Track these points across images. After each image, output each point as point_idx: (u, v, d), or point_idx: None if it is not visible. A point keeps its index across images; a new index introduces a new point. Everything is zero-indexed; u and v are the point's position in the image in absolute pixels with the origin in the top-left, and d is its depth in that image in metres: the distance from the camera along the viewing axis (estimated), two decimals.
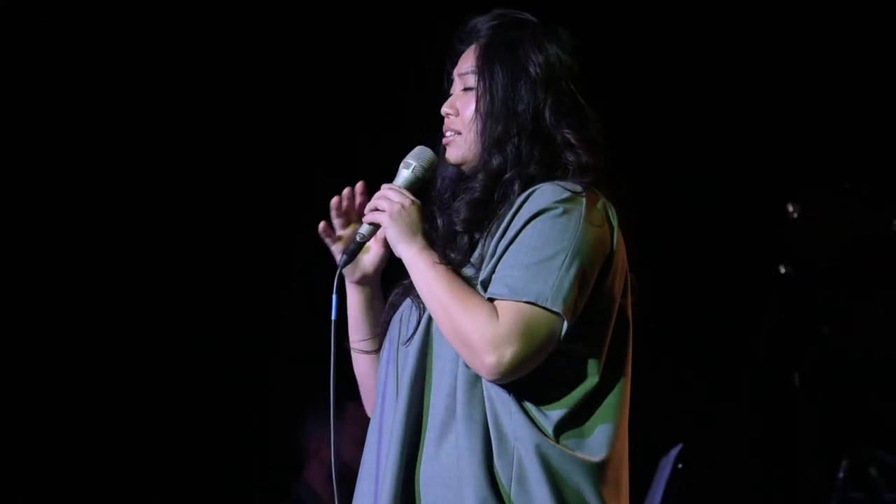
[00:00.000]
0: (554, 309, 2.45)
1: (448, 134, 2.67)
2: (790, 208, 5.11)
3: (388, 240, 2.61)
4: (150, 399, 5.32)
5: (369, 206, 2.64)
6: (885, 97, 5.27)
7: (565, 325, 2.47)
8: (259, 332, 5.34)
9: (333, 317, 2.63)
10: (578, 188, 2.53)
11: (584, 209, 2.52)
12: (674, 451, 4.44)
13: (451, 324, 2.51)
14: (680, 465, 4.41)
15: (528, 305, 2.46)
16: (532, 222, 2.51)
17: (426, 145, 2.71)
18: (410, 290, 2.66)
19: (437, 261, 2.58)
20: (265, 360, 5.35)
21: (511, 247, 2.52)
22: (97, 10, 5.12)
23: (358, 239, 2.65)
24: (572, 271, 2.48)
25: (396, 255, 2.62)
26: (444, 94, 2.72)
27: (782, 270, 5.15)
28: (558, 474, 2.49)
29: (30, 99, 5.11)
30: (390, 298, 2.73)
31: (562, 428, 2.52)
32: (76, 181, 5.20)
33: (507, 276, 2.50)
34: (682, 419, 5.23)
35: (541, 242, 2.50)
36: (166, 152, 5.27)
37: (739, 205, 5.42)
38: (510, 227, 2.54)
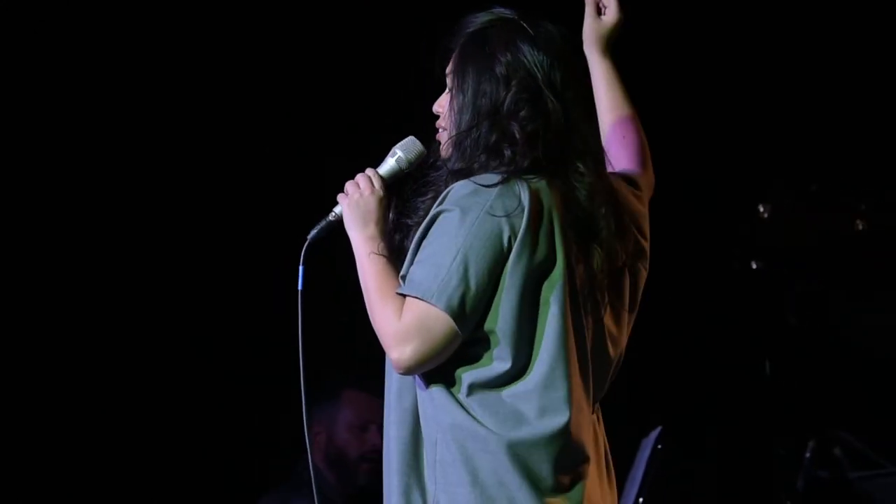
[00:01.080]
0: (438, 305, 2.46)
1: (440, 131, 2.69)
2: (762, 209, 5.12)
3: (345, 224, 2.66)
4: (165, 377, 5.17)
5: (346, 185, 2.69)
6: (849, 105, 5.24)
7: (453, 318, 2.47)
8: (266, 321, 4.97)
9: (300, 286, 2.69)
10: (494, 179, 2.52)
11: (489, 201, 2.51)
12: (654, 433, 4.53)
13: (371, 316, 2.56)
14: (660, 446, 4.47)
15: (422, 302, 2.48)
16: (435, 222, 2.53)
17: (419, 139, 2.74)
18: None
19: (378, 252, 2.61)
20: (271, 346, 5.07)
21: (419, 246, 2.54)
22: (102, 10, 4.98)
23: (330, 217, 2.70)
24: (461, 268, 2.48)
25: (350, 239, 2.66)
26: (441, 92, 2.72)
27: (754, 266, 5.15)
28: (475, 455, 2.48)
29: (31, 99, 4.99)
30: None
31: (480, 410, 2.50)
32: (87, 186, 5.11)
33: (409, 273, 2.52)
34: (662, 404, 5.25)
35: (435, 240, 2.51)
36: (171, 152, 5.20)
37: (716, 206, 5.39)
38: (423, 225, 2.56)
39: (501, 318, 2.50)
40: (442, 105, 2.69)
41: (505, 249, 2.50)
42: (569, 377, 2.52)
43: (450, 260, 2.47)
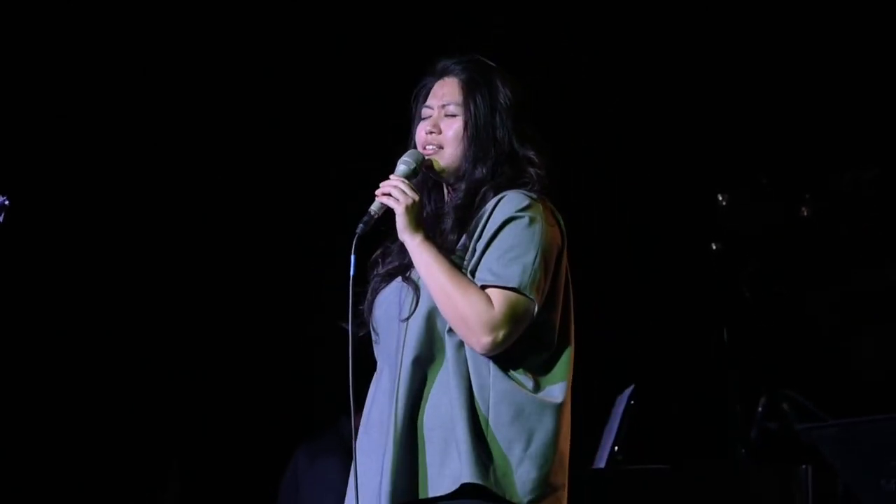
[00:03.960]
0: (531, 296, 2.75)
1: (429, 148, 2.92)
2: (720, 197, 5.34)
3: (398, 227, 2.82)
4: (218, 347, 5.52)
5: (381, 188, 2.85)
6: (794, 111, 5.56)
7: (536, 306, 2.77)
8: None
9: (352, 272, 2.83)
10: (535, 196, 2.83)
11: (541, 212, 2.81)
12: (627, 391, 4.85)
13: (451, 306, 2.76)
14: (632, 402, 4.80)
15: (513, 293, 2.74)
16: (508, 224, 2.80)
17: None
18: (397, 274, 2.88)
19: (437, 251, 2.81)
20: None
21: (493, 243, 2.79)
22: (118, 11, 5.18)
23: (371, 214, 2.87)
24: (542, 265, 2.78)
25: (401, 239, 2.83)
26: (411, 115, 2.96)
27: (714, 247, 5.37)
28: (527, 416, 2.75)
29: (55, 104, 5.09)
30: (372, 285, 2.94)
31: (531, 379, 2.78)
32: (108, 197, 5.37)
33: (494, 267, 2.77)
34: (635, 365, 5.57)
35: (517, 241, 2.78)
36: (197, 161, 5.46)
37: (682, 196, 5.75)
38: (487, 227, 2.81)
39: (557, 308, 2.84)
40: (436, 126, 2.92)
41: (559, 253, 2.84)
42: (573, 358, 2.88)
43: (532, 258, 2.76)
